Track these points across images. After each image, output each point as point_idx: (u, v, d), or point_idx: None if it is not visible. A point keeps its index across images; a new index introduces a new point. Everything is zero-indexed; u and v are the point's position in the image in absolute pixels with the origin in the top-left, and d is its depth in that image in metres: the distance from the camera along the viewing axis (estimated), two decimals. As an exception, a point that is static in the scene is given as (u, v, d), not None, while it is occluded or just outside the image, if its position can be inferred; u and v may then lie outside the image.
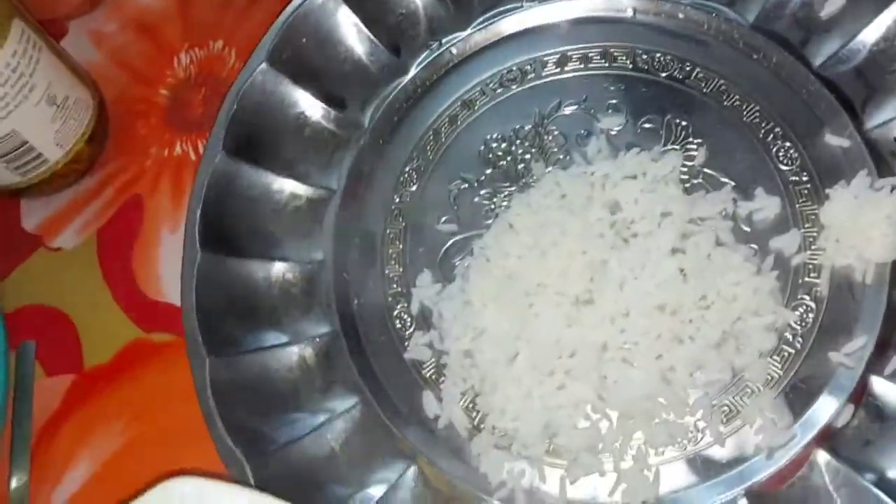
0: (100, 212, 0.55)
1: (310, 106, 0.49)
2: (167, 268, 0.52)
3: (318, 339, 0.45)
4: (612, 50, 0.48)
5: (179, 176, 0.54)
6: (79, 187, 0.56)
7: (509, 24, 0.50)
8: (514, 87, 0.49)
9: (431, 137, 0.49)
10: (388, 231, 0.47)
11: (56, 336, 0.52)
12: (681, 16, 0.47)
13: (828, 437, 0.39)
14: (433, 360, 0.44)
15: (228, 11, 0.57)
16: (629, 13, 0.48)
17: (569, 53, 0.49)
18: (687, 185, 0.45)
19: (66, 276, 0.54)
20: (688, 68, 0.47)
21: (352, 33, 0.49)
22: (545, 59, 0.49)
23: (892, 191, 0.41)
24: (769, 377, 0.41)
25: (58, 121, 0.52)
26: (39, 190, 0.55)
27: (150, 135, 0.56)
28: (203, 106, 0.56)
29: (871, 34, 0.44)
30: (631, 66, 0.48)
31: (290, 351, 0.44)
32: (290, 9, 0.49)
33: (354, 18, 0.49)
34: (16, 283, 0.54)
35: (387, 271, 0.46)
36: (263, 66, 0.48)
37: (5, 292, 0.54)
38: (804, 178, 0.44)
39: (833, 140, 0.44)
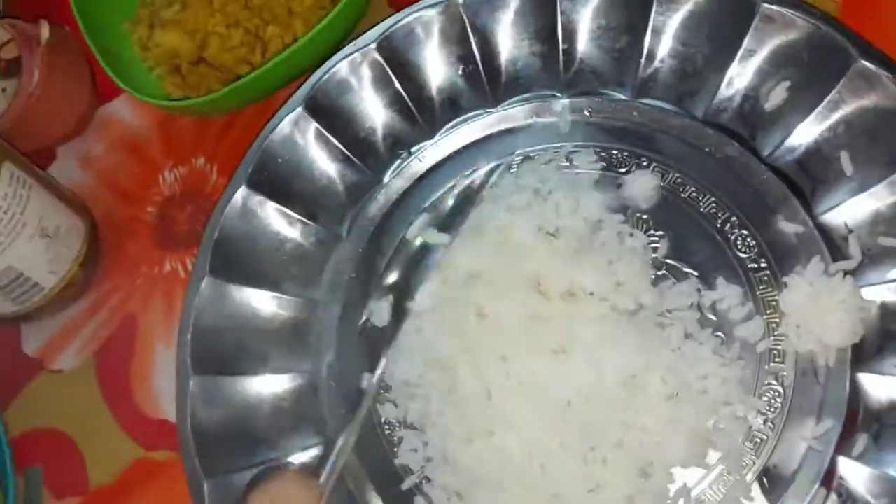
0: (96, 332, 0.56)
1: (289, 224, 0.50)
2: (163, 385, 0.53)
3: (311, 451, 0.46)
4: (571, 150, 0.50)
5: (170, 294, 0.56)
6: (75, 309, 0.57)
7: (473, 131, 0.51)
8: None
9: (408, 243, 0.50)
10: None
11: (61, 459, 0.54)
12: (634, 114, 0.49)
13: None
14: (422, 465, 0.45)
15: (207, 130, 0.59)
16: (586, 114, 0.50)
17: (532, 154, 0.50)
18: (652, 276, 0.46)
19: (67, 399, 0.55)
20: (644, 163, 0.49)
21: (325, 151, 0.51)
22: (509, 161, 0.51)
23: (844, 276, 0.43)
24: (743, 464, 0.42)
25: (51, 250, 0.54)
26: (37, 315, 0.56)
27: (139, 253, 0.58)
28: (189, 222, 0.57)
29: (813, 124, 0.46)
30: (590, 164, 0.49)
31: (286, 465, 0.45)
32: (265, 132, 0.51)
33: (327, 137, 0.51)
34: (20, 408, 0.56)
35: (374, 378, 0.48)
36: (243, 189, 0.49)
37: (11, 417, 0.55)
38: (763, 265, 0.45)
39: (787, 227, 0.45)
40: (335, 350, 0.48)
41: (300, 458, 0.46)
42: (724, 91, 0.47)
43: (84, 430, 0.54)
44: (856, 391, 0.42)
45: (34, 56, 0.56)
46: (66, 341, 0.57)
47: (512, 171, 0.50)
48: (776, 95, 0.46)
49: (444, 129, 0.52)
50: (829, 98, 0.45)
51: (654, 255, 0.46)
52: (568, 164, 0.49)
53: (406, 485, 0.45)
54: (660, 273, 0.46)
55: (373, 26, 0.51)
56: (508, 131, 0.51)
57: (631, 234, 0.46)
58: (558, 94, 0.50)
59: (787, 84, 0.46)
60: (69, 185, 0.59)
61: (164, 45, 0.57)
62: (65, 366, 0.56)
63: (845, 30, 0.45)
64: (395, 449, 0.46)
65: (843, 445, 0.41)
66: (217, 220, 0.49)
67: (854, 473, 0.40)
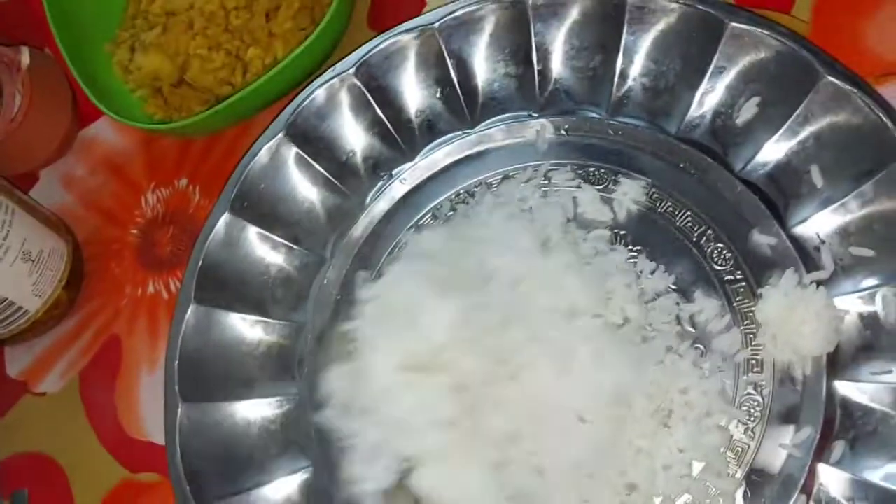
0: (80, 354, 0.55)
1: (273, 248, 0.49)
2: (148, 408, 0.52)
3: (300, 474, 0.45)
4: (550, 168, 0.49)
5: (154, 316, 0.54)
6: (59, 330, 0.56)
7: (452, 152, 0.51)
8: (463, 208, 0.50)
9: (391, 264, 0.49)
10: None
11: (47, 482, 0.52)
12: (610, 132, 0.49)
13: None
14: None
15: (189, 151, 0.58)
16: (562, 133, 0.49)
17: (510, 174, 0.50)
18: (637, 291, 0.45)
19: (52, 421, 0.54)
20: (621, 179, 0.48)
21: (306, 174, 0.50)
22: (489, 180, 0.50)
23: (818, 287, 0.42)
24: (728, 474, 0.41)
25: (34, 274, 0.52)
26: (21, 337, 0.55)
27: (123, 274, 0.56)
28: (172, 244, 0.56)
29: (783, 139, 0.45)
30: (568, 182, 0.49)
31: (275, 488, 0.44)
32: (247, 158, 0.49)
33: (307, 160, 0.50)
34: (4, 431, 0.54)
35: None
36: (226, 215, 0.48)
37: (-5, 442, 0.53)
38: (739, 277, 0.45)
39: (761, 239, 0.45)
40: (322, 374, 0.47)
41: (291, 481, 0.44)
42: (696, 108, 0.47)
43: (69, 453, 0.52)
44: (832, 398, 0.41)
45: (15, 82, 0.55)
46: (50, 363, 0.55)
47: (492, 190, 0.49)
48: (746, 111, 0.46)
49: (424, 151, 0.51)
50: (797, 113, 0.45)
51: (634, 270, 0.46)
52: (547, 181, 0.49)
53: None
54: (640, 287, 0.45)
55: (352, 51, 0.50)
56: (487, 151, 0.50)
57: (612, 249, 0.45)
58: (535, 114, 0.50)
59: (756, 100, 0.46)
60: (52, 207, 0.58)
61: (146, 67, 0.56)
62: (49, 388, 0.54)
63: (812, 47, 0.45)
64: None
65: (822, 452, 0.41)
66: (201, 247, 0.48)
67: (833, 479, 0.40)
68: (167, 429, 0.45)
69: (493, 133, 0.50)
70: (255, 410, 0.46)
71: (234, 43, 0.55)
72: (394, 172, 0.51)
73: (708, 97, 0.47)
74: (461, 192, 0.50)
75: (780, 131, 0.45)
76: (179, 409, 0.45)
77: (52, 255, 0.53)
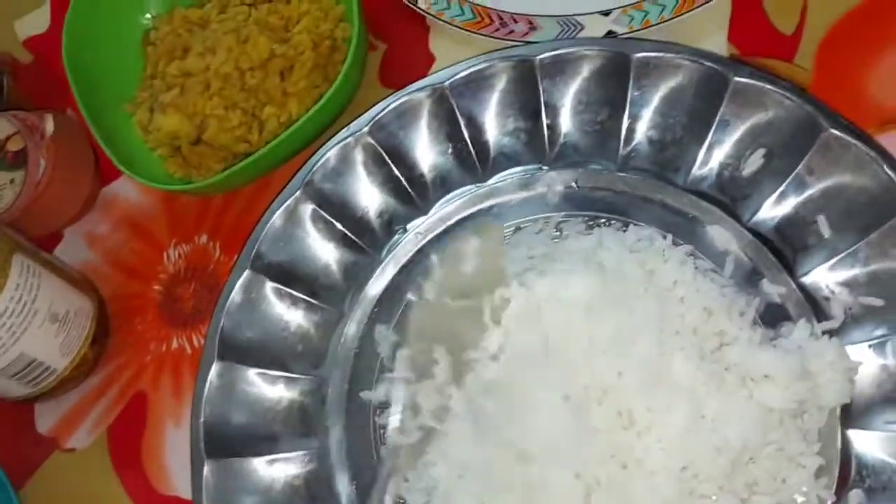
0: (107, 410, 0.55)
1: (293, 304, 0.49)
2: (174, 462, 0.51)
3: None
4: (561, 220, 0.49)
5: (178, 371, 0.54)
6: (85, 387, 0.56)
7: (465, 205, 0.51)
8: (478, 259, 0.50)
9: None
10: (377, 412, 0.47)
11: (78, 539, 0.52)
12: (619, 184, 0.49)
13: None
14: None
15: (209, 207, 0.58)
16: (573, 185, 0.49)
17: (522, 226, 0.50)
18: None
19: (82, 476, 0.54)
20: (632, 229, 0.48)
21: (323, 231, 0.50)
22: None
23: (830, 337, 0.42)
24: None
25: (61, 334, 0.52)
26: (49, 395, 0.55)
27: (147, 330, 0.56)
28: (194, 299, 0.56)
29: (789, 190, 0.45)
30: (579, 233, 0.48)
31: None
32: (265, 218, 0.50)
33: (324, 217, 0.50)
34: (35, 488, 0.54)
35: (382, 452, 0.46)
36: (247, 273, 0.48)
37: (26, 497, 0.53)
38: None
39: (771, 289, 0.45)
40: (344, 426, 0.47)
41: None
42: (703, 160, 0.47)
43: (99, 509, 0.52)
44: (847, 447, 0.41)
45: (40, 147, 0.55)
46: (78, 419, 0.55)
47: (505, 242, 0.49)
48: (752, 163, 0.46)
49: (437, 205, 0.51)
50: (802, 164, 0.45)
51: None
52: (559, 233, 0.49)
53: None
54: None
55: (366, 109, 0.51)
56: (499, 205, 0.50)
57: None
58: (545, 167, 0.50)
59: (762, 151, 0.46)
60: (76, 265, 0.58)
61: (164, 128, 0.56)
62: (78, 444, 0.54)
63: (814, 100, 0.45)
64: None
65: (839, 501, 0.40)
66: (223, 306, 0.48)
67: (850, 528, 0.40)
68: (193, 485, 0.45)
69: (504, 186, 0.50)
70: (279, 467, 0.46)
71: (249, 102, 0.55)
72: (408, 227, 0.51)
73: (714, 150, 0.47)
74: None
75: (786, 183, 0.45)
76: (206, 467, 0.45)
77: (79, 315, 0.54)
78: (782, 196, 0.45)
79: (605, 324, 0.41)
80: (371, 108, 0.50)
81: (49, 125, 0.55)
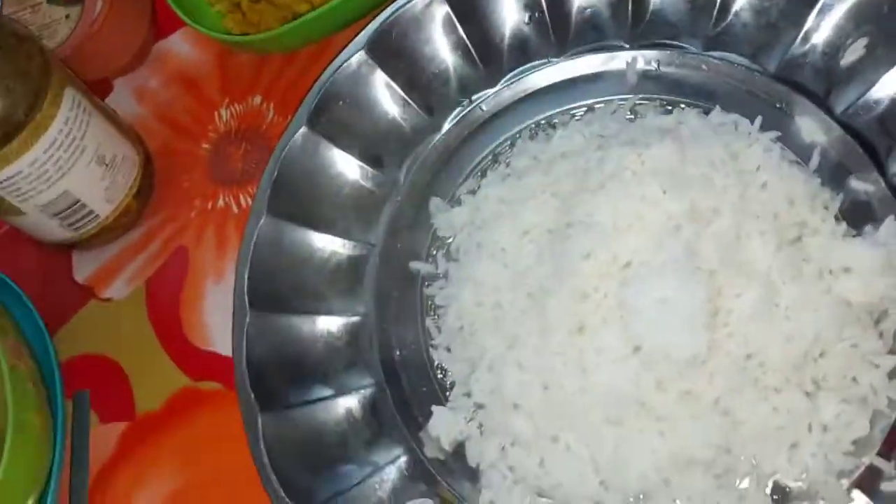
0: (147, 263, 0.53)
1: (348, 166, 0.47)
2: (213, 318, 0.50)
3: (363, 391, 0.43)
4: (637, 101, 0.46)
5: (222, 228, 0.53)
6: (126, 239, 0.54)
7: (537, 80, 0.48)
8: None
9: (465, 191, 0.47)
10: (426, 283, 0.46)
11: (109, 384, 0.51)
12: (704, 67, 0.46)
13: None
14: (473, 409, 0.42)
15: (264, 68, 0.56)
16: (653, 66, 0.46)
17: (595, 106, 0.47)
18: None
19: (116, 327, 0.52)
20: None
21: (386, 95, 0.48)
22: (573, 111, 0.47)
23: (919, 237, 0.39)
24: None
25: (107, 178, 0.51)
26: (90, 243, 0.53)
27: (193, 188, 0.55)
28: (243, 160, 0.54)
29: (890, 83, 0.42)
30: (655, 117, 0.46)
31: (336, 403, 0.42)
32: (327, 73, 0.47)
33: (388, 80, 0.47)
34: (70, 333, 0.53)
35: (427, 323, 0.45)
36: (304, 129, 0.46)
37: (60, 342, 0.52)
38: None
39: (858, 185, 0.42)
40: (390, 293, 0.45)
41: (353, 398, 0.43)
42: (800, 46, 0.44)
43: (132, 358, 0.51)
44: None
45: (98, -16, 0.53)
46: (116, 271, 0.54)
47: (576, 120, 0.46)
48: (853, 52, 0.43)
49: (507, 78, 0.48)
50: (909, 56, 0.41)
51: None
52: (633, 116, 0.46)
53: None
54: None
55: (442, -32, 0.48)
56: (572, 81, 0.47)
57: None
58: (626, 45, 0.47)
59: (864, 41, 0.43)
60: (125, 118, 0.56)
61: (226, -18, 0.54)
62: (115, 294, 0.53)
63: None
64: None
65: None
66: (277, 159, 0.46)
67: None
68: (234, 335, 0.44)
69: (581, 62, 0.47)
70: (321, 324, 0.44)
71: (315, -41, 0.52)
72: (474, 98, 0.48)
73: (813, 35, 0.43)
74: (542, 121, 0.47)
75: (887, 74, 0.42)
76: (248, 317, 0.43)
77: (125, 162, 0.52)
78: (881, 89, 0.42)
79: (682, 200, 0.39)
80: (448, -34, 0.47)
81: (111, -35, 0.52)
